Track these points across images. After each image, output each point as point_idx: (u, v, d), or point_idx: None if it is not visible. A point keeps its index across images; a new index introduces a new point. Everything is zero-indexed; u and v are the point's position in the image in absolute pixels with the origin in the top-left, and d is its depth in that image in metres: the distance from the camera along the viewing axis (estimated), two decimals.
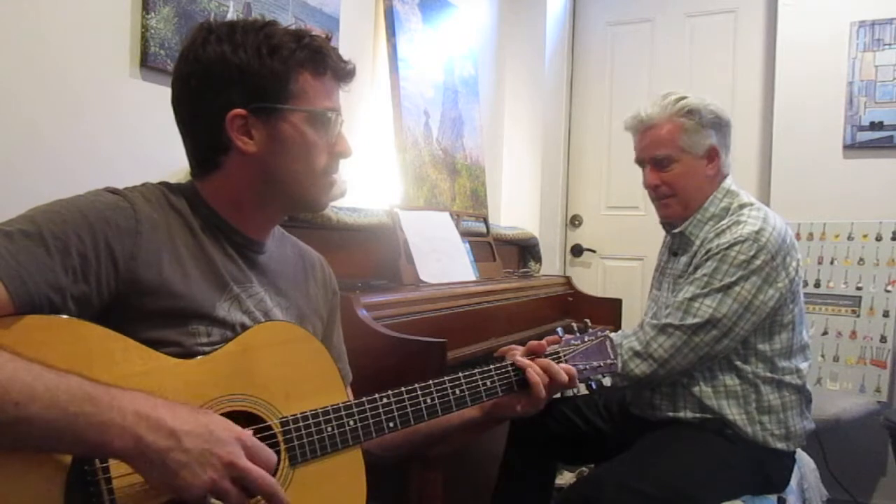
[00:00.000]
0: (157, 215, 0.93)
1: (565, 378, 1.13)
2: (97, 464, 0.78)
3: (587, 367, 1.19)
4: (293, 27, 1.01)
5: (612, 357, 1.22)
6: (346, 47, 2.05)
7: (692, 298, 1.52)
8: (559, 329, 1.26)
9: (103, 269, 0.85)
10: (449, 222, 2.19)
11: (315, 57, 0.98)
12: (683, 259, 1.65)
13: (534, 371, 1.12)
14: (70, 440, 0.74)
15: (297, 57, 0.97)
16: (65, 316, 0.81)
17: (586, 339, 1.22)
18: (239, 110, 0.95)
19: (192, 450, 0.76)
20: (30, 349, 0.75)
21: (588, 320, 1.32)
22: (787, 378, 1.56)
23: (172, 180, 1.02)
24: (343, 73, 1.03)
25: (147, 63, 1.49)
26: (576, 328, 1.24)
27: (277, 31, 0.98)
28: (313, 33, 1.01)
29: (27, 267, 0.78)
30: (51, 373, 0.73)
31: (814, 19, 2.96)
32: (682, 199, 1.64)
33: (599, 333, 1.23)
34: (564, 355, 1.19)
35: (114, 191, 0.92)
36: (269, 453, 0.84)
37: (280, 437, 0.91)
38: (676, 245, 1.71)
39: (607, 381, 1.23)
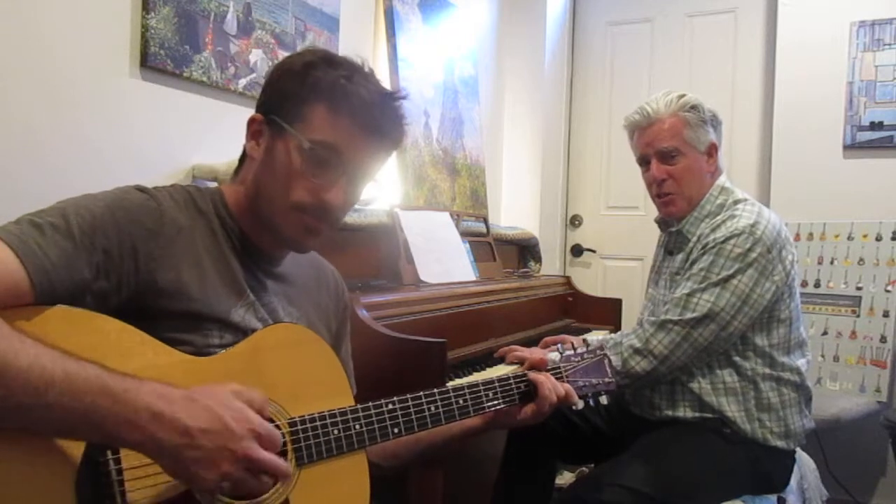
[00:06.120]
0: (183, 218, 0.94)
1: (562, 392, 1.16)
2: (109, 455, 0.78)
3: (586, 383, 1.22)
4: (355, 60, 1.00)
5: (610, 376, 1.25)
6: (346, 47, 2.05)
7: (690, 294, 1.53)
8: (560, 346, 1.28)
9: (124, 268, 0.86)
10: (449, 222, 2.19)
11: (334, 94, 0.95)
12: (680, 256, 1.66)
13: (546, 387, 1.14)
14: (85, 429, 0.74)
15: (319, 84, 0.96)
16: (83, 309, 0.82)
17: (586, 357, 1.24)
18: (257, 115, 1.00)
19: (206, 446, 0.77)
20: (48, 339, 0.75)
21: (585, 338, 1.34)
22: (786, 375, 1.56)
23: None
24: (369, 125, 0.97)
25: (147, 63, 1.49)
26: (574, 345, 1.27)
27: (325, 58, 0.98)
28: (356, 72, 0.98)
29: (53, 260, 0.80)
30: (71, 361, 0.74)
31: (814, 19, 2.96)
32: (686, 195, 1.65)
33: (598, 352, 1.26)
34: (565, 371, 1.22)
35: (142, 189, 0.94)
36: (276, 434, 0.84)
37: (288, 438, 0.91)
38: (672, 244, 1.72)
39: (604, 400, 1.25)
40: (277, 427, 0.90)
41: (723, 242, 1.53)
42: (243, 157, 1.04)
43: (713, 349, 1.53)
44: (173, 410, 0.76)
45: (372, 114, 0.97)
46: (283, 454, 0.88)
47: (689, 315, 1.51)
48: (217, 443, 0.77)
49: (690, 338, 1.51)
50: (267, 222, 1.00)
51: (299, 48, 1.06)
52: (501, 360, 1.76)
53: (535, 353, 1.27)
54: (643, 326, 1.57)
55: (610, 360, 1.26)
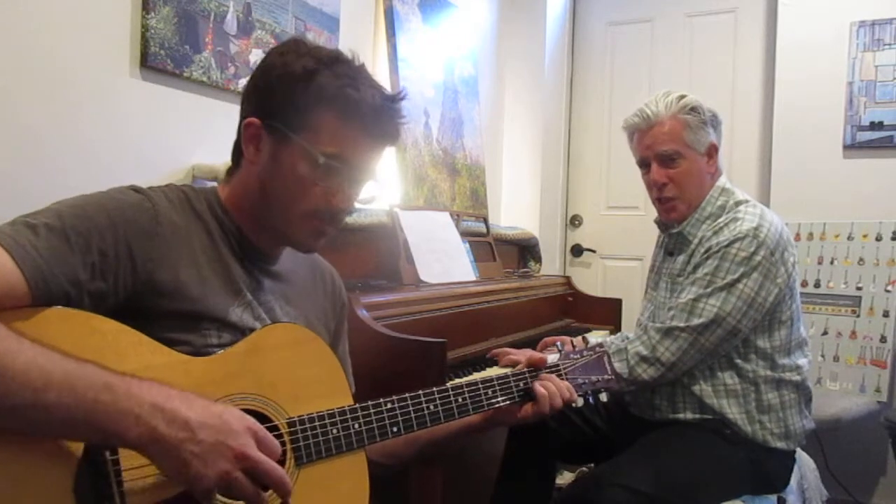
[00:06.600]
0: (178, 218, 0.94)
1: (567, 395, 1.17)
2: (107, 456, 0.78)
3: (586, 381, 1.22)
4: (349, 58, 0.99)
5: (609, 373, 1.25)
6: (346, 47, 2.04)
7: (696, 299, 1.52)
8: (558, 343, 1.28)
9: (121, 268, 0.86)
10: (449, 222, 2.19)
11: (339, 102, 0.95)
12: (681, 258, 1.66)
13: (541, 385, 1.15)
14: (86, 427, 0.74)
15: (325, 92, 0.95)
16: (80, 310, 0.82)
17: (585, 354, 1.24)
18: (255, 119, 0.97)
19: (206, 441, 0.77)
20: (46, 340, 0.76)
21: (585, 335, 1.34)
22: (787, 375, 1.56)
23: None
24: (377, 131, 0.98)
25: (147, 63, 1.49)
26: (574, 344, 1.27)
27: (325, 62, 0.96)
28: (359, 77, 0.97)
29: (48, 261, 0.80)
30: (69, 360, 0.74)
31: (814, 19, 2.96)
32: (687, 199, 1.64)
33: (598, 349, 1.26)
34: (564, 369, 1.21)
35: (138, 189, 0.94)
36: (276, 444, 0.84)
37: (287, 437, 0.91)
38: (672, 245, 1.71)
39: (604, 397, 1.25)
40: (276, 428, 0.90)
41: (727, 246, 1.52)
42: (236, 158, 1.03)
43: (718, 353, 1.54)
44: (174, 406, 0.77)
45: (379, 120, 0.98)
46: (282, 455, 0.88)
47: (696, 321, 1.51)
48: (216, 437, 0.77)
49: (698, 343, 1.51)
50: (274, 227, 1.00)
51: (282, 41, 1.05)
52: (496, 363, 1.76)
53: (531, 356, 1.26)
54: (648, 333, 1.56)
55: (609, 357, 1.26)
